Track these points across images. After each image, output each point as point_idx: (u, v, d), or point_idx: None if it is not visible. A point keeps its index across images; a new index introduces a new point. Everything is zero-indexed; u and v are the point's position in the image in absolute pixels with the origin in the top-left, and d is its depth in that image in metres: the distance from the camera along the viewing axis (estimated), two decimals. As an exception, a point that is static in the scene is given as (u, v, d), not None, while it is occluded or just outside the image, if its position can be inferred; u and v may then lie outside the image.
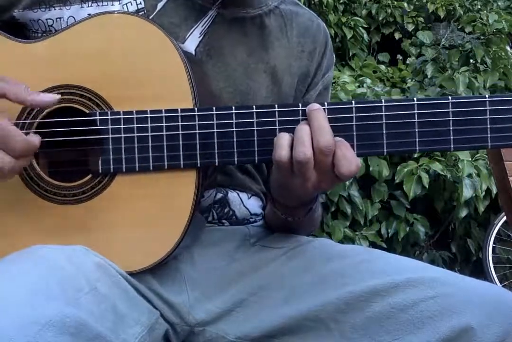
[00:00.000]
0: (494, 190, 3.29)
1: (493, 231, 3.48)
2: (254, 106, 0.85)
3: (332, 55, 1.12)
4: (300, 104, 0.85)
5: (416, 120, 0.82)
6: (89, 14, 0.94)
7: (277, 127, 0.85)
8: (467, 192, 3.29)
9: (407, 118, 0.83)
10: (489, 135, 0.82)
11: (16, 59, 0.90)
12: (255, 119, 0.85)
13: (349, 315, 0.81)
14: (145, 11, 0.98)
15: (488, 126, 0.82)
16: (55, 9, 0.97)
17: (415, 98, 0.83)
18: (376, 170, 3.29)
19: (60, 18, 0.97)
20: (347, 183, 3.17)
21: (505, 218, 3.32)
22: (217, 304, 0.91)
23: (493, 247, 3.49)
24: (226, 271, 0.95)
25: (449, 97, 0.82)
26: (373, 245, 3.27)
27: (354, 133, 0.84)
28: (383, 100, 0.83)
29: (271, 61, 1.02)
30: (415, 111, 0.82)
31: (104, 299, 0.78)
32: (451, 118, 0.82)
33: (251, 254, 0.99)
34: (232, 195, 1.03)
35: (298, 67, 1.05)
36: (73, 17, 0.96)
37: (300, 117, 0.84)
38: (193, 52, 0.98)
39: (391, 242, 3.48)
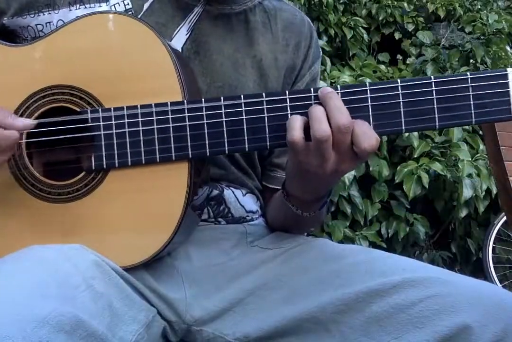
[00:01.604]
0: (494, 190, 3.29)
1: (493, 231, 3.48)
2: (242, 96, 0.86)
3: (318, 48, 1.14)
4: (287, 92, 0.86)
5: (400, 100, 0.84)
6: (77, 17, 0.95)
7: (265, 115, 0.86)
8: (467, 192, 3.28)
9: (391, 99, 0.84)
10: (472, 111, 0.83)
11: (6, 62, 0.92)
12: (243, 109, 0.86)
13: (348, 315, 0.82)
14: (133, 12, 0.99)
15: (472, 102, 0.83)
16: (44, 14, 0.98)
17: (398, 80, 0.84)
18: (376, 170, 3.29)
19: (49, 22, 0.98)
20: (347, 183, 3.17)
21: (505, 218, 3.32)
22: (215, 302, 0.91)
23: (493, 247, 3.49)
24: (224, 269, 0.96)
25: (432, 77, 0.83)
26: (373, 245, 3.27)
27: None
28: (367, 83, 0.84)
29: (257, 55, 1.05)
30: (399, 92, 0.84)
31: (100, 296, 0.79)
32: (434, 96, 0.83)
33: (249, 253, 0.99)
34: (227, 192, 1.04)
35: (284, 60, 1.07)
36: (62, 21, 0.97)
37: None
38: (180, 50, 0.99)
39: (391, 242, 3.48)
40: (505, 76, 0.82)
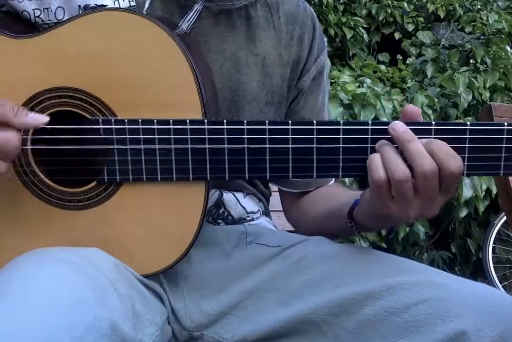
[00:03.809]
0: (494, 190, 3.29)
1: (493, 231, 3.48)
2: (267, 122, 0.81)
3: (322, 38, 1.10)
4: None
5: (467, 145, 0.79)
6: (79, 6, 0.90)
7: (290, 146, 0.81)
8: (467, 192, 3.28)
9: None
10: (502, 163, 0.79)
11: (11, 56, 0.84)
12: (267, 136, 0.81)
13: (342, 318, 0.80)
14: (136, 9, 0.94)
15: (503, 155, 0.79)
16: None
17: (433, 122, 0.78)
18: (376, 170, 3.28)
19: (47, 8, 0.92)
20: (348, 183, 3.16)
21: (505, 218, 3.32)
22: (213, 306, 0.90)
23: (493, 247, 3.49)
24: (222, 271, 0.95)
25: (468, 122, 0.78)
26: (373, 245, 3.27)
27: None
28: (397, 123, 0.78)
29: (260, 53, 1.01)
30: (432, 136, 0.78)
31: (125, 299, 0.78)
32: (467, 145, 0.78)
33: (247, 253, 0.98)
34: (227, 196, 1.03)
35: (288, 55, 1.03)
36: (62, 8, 0.91)
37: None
38: None
39: (391, 242, 3.47)
40: None
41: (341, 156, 0.80)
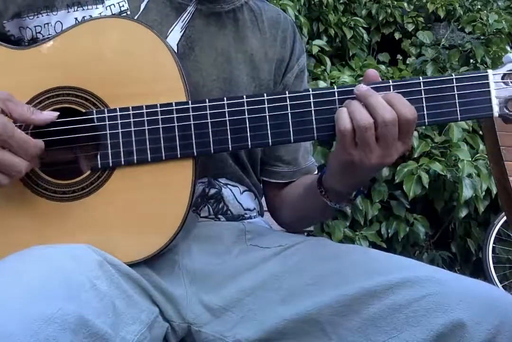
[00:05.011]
0: (494, 190, 3.30)
1: (493, 231, 3.48)
2: (245, 96, 0.90)
3: (302, 43, 1.22)
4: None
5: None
6: (76, 18, 0.99)
7: (267, 114, 0.90)
8: (467, 192, 3.29)
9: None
10: (458, 109, 0.88)
11: (10, 65, 0.93)
12: (246, 107, 0.90)
13: (346, 317, 0.82)
14: (128, 13, 1.02)
15: (457, 101, 0.88)
16: (42, 16, 1.01)
17: (390, 80, 0.89)
18: (376, 170, 3.29)
19: (47, 23, 1.01)
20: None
21: (505, 218, 3.32)
22: (214, 300, 0.92)
23: (493, 247, 3.49)
24: (224, 266, 0.97)
25: (420, 78, 0.88)
26: (373, 245, 3.27)
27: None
28: (361, 85, 0.88)
29: (248, 50, 1.10)
30: (391, 92, 0.88)
31: (104, 296, 0.79)
32: (423, 96, 0.88)
33: (249, 252, 1.00)
34: (226, 190, 1.06)
35: (273, 54, 1.14)
36: (60, 22, 1.00)
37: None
38: (176, 47, 1.03)
39: (391, 242, 3.48)
40: (486, 77, 0.88)
41: (313, 117, 0.89)
